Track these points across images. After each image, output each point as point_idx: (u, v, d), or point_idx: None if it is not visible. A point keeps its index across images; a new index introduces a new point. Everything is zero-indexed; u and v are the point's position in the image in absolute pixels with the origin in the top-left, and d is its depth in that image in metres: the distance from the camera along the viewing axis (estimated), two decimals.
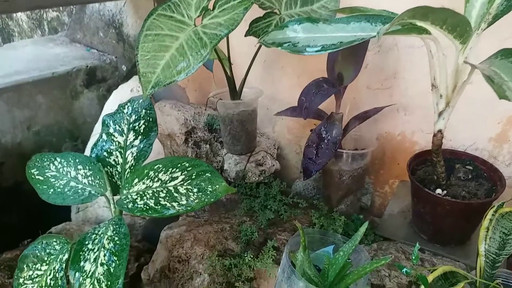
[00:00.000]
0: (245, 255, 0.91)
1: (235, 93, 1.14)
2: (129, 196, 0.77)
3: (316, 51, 0.79)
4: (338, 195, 1.11)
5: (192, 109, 1.28)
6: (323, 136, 1.03)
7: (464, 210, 0.89)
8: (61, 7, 1.91)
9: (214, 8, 0.86)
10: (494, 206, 0.76)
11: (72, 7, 1.75)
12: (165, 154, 1.30)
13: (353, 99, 1.20)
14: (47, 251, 0.77)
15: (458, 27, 0.71)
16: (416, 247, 0.82)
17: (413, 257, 0.81)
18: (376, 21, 0.80)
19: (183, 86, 1.54)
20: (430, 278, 0.71)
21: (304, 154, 1.04)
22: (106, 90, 1.56)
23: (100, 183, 0.82)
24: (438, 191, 0.92)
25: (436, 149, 0.90)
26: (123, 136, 0.88)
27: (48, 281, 0.74)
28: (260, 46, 1.06)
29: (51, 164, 0.87)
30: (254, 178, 1.17)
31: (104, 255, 0.71)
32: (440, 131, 0.88)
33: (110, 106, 1.41)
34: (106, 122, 0.89)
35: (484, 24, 0.79)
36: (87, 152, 1.41)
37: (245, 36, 0.98)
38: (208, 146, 1.23)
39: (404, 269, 0.78)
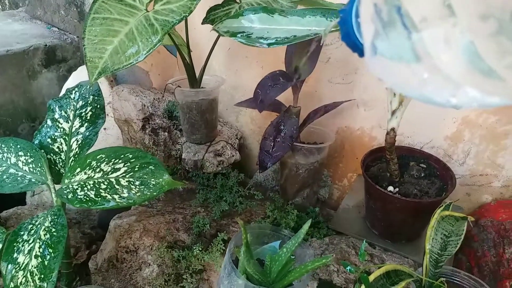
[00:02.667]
0: (194, 247, 0.90)
1: (194, 81, 1.11)
2: (70, 186, 0.74)
3: (269, 44, 0.77)
4: (294, 188, 1.11)
5: (151, 94, 1.24)
6: (280, 129, 1.01)
7: (414, 208, 0.90)
8: None
9: None
10: (443, 205, 0.77)
11: None
12: (124, 140, 1.27)
13: (315, 92, 1.19)
14: None
15: None
16: (363, 244, 0.82)
17: (360, 254, 0.82)
18: (332, 16, 0.79)
19: (146, 70, 1.50)
20: (372, 277, 0.71)
21: (260, 146, 1.02)
22: (66, 71, 1.50)
23: (42, 171, 0.79)
24: (390, 188, 0.93)
25: (389, 146, 0.90)
26: (68, 123, 0.84)
27: None
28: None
29: None
30: (211, 169, 1.15)
31: (40, 247, 0.68)
32: (393, 129, 0.87)
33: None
34: (52, 107, 0.86)
35: None
36: None
37: (202, 24, 0.95)
38: (166, 133, 1.20)
39: (348, 267, 0.78)
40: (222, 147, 1.20)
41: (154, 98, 1.23)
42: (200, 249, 0.90)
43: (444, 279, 0.79)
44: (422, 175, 0.97)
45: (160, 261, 0.92)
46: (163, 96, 1.23)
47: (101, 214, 1.30)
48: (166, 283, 0.91)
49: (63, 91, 1.40)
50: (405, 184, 0.94)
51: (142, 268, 0.92)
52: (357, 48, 0.31)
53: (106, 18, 0.80)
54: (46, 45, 1.41)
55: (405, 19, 0.21)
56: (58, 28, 1.55)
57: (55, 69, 1.47)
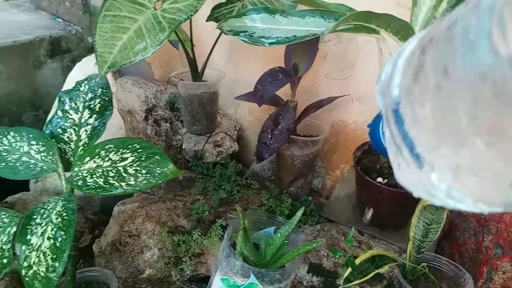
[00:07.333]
0: (194, 232, 0.96)
1: (196, 75, 1.16)
2: (80, 174, 0.80)
3: (270, 43, 0.82)
4: (289, 177, 1.17)
5: (154, 86, 1.29)
6: (278, 122, 1.07)
7: (401, 198, 0.96)
8: None
9: None
10: None
11: None
12: (126, 130, 1.32)
13: (312, 87, 1.24)
14: None
15: (402, 30, 0.75)
16: (351, 231, 0.89)
17: (347, 240, 0.88)
18: (330, 17, 0.84)
19: (148, 62, 1.54)
20: (358, 261, 0.78)
21: (259, 138, 1.08)
22: (70, 61, 1.55)
23: (53, 159, 0.84)
24: (379, 179, 0.98)
25: None
26: (78, 114, 0.89)
27: None
28: None
29: (4, 138, 0.87)
30: (211, 159, 1.20)
31: (52, 230, 0.74)
32: None
33: (73, 78, 1.40)
34: (62, 99, 0.90)
35: None
36: None
37: (206, 21, 1.00)
38: (168, 124, 1.25)
39: (337, 254, 0.84)
40: (221, 138, 1.26)
41: (156, 90, 1.28)
42: (200, 234, 0.95)
43: (426, 264, 0.85)
44: None
45: (161, 245, 0.98)
46: (166, 89, 1.28)
47: (103, 200, 1.36)
48: (166, 266, 0.97)
49: (67, 81, 1.45)
50: (394, 176, 1.00)
51: (143, 252, 0.98)
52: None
53: (116, 16, 0.85)
54: (51, 36, 1.45)
55: (413, 148, 0.25)
56: (63, 19, 1.59)
57: (59, 60, 1.51)
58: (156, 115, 1.25)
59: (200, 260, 0.98)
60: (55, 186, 1.39)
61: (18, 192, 1.30)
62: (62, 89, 1.44)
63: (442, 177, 0.24)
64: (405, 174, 0.27)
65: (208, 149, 1.21)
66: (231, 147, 1.26)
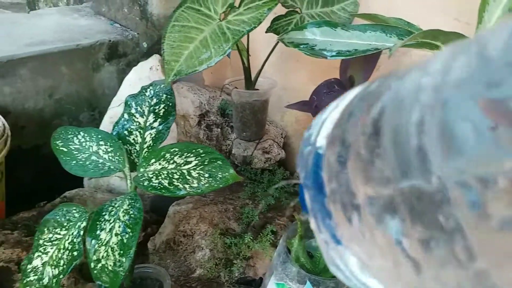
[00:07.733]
0: (245, 236, 0.99)
1: (250, 83, 1.19)
2: (146, 174, 0.84)
3: (331, 56, 0.85)
4: None
5: (207, 93, 1.34)
6: None
7: None
8: None
9: (239, 5, 0.91)
10: None
11: None
12: (178, 133, 1.37)
13: None
14: (67, 217, 0.84)
15: None
16: None
17: None
18: (392, 33, 0.85)
19: None
20: None
21: None
22: (125, 65, 1.61)
23: (120, 159, 0.89)
24: None
25: None
26: (143, 118, 0.94)
27: (66, 244, 0.82)
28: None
29: (75, 138, 0.93)
30: (259, 165, 1.23)
31: (119, 226, 0.78)
32: None
33: (129, 82, 1.47)
34: (129, 103, 0.95)
35: None
36: (104, 123, 1.48)
37: (266, 32, 1.03)
38: (219, 129, 1.29)
39: None
40: (269, 145, 1.29)
41: (209, 96, 1.32)
42: (251, 238, 0.98)
43: None
44: None
45: (213, 246, 1.01)
46: (220, 95, 1.33)
47: (153, 199, 1.41)
48: (216, 266, 1.00)
49: (123, 84, 1.51)
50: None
51: (195, 252, 1.02)
52: None
53: (184, 26, 0.89)
54: (110, 40, 1.53)
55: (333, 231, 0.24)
56: (120, 25, 1.66)
57: (116, 63, 1.58)
58: (209, 120, 1.29)
59: (248, 263, 1.01)
60: (108, 183, 1.46)
61: (73, 188, 1.38)
62: (118, 92, 1.52)
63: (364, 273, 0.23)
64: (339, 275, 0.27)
65: (257, 155, 1.24)
66: (279, 154, 1.29)
